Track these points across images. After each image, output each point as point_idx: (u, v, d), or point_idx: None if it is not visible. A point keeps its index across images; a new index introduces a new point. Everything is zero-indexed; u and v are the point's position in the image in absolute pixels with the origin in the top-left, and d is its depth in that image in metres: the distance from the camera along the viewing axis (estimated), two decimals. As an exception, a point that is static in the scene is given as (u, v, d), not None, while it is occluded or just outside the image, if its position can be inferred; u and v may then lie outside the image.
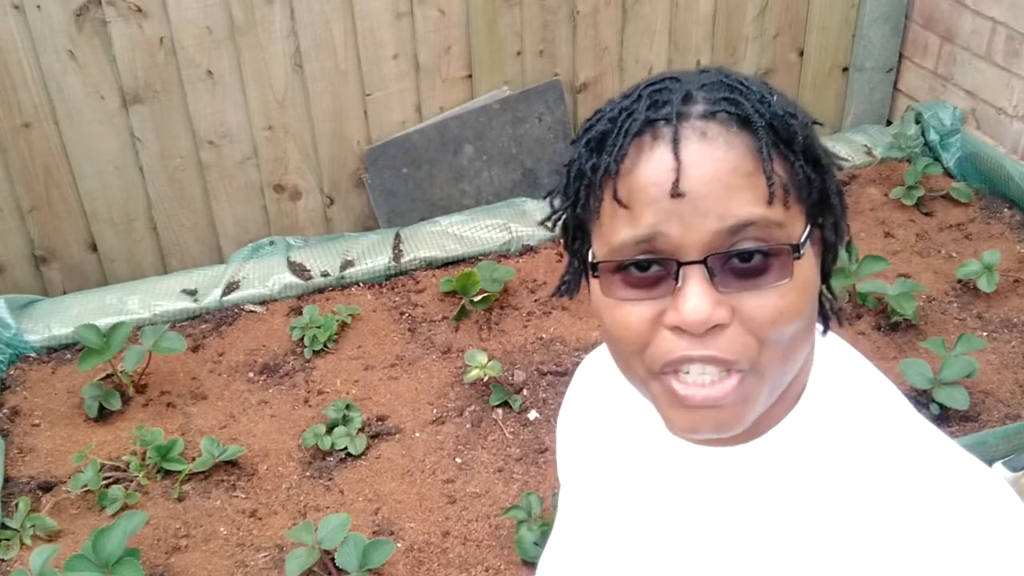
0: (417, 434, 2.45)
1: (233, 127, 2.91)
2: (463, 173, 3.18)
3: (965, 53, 3.31)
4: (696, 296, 0.70)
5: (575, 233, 0.82)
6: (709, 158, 0.71)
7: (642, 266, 0.73)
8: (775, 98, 0.76)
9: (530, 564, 2.10)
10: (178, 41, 2.74)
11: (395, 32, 2.95)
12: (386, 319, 2.83)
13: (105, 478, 2.30)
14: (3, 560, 2.14)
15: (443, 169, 3.15)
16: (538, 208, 3.17)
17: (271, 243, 3.05)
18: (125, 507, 2.23)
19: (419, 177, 3.13)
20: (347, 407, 2.46)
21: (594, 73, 3.24)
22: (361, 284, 2.97)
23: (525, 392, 2.54)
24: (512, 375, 2.59)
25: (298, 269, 2.97)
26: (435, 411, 2.51)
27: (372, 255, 3.00)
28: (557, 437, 1.04)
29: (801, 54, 3.49)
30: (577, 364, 2.63)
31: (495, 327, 2.78)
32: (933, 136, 3.38)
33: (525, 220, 3.13)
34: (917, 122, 3.45)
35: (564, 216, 0.83)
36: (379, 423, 2.48)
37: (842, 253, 0.82)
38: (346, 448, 2.38)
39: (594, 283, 0.77)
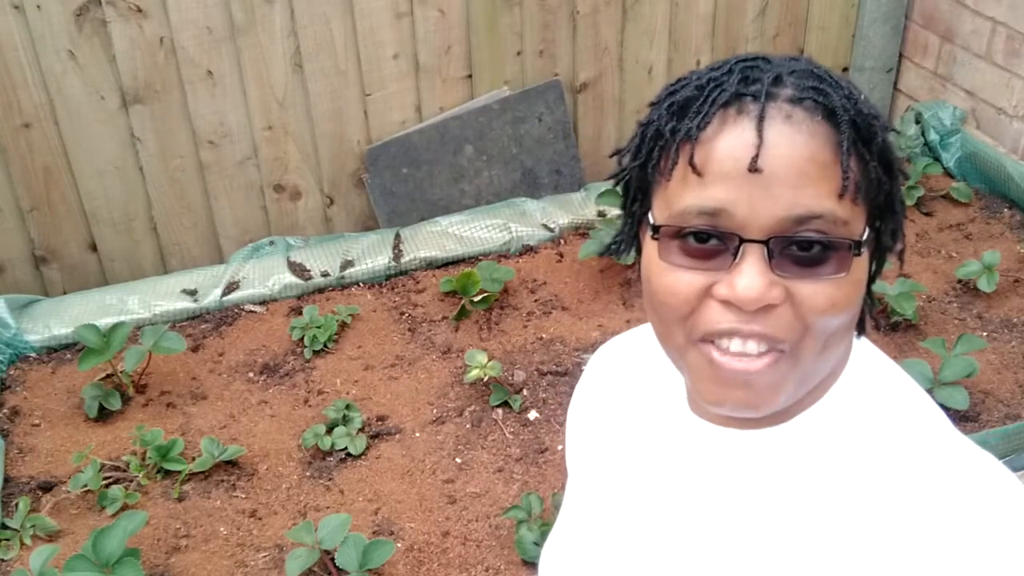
0: (417, 434, 2.45)
1: (233, 127, 2.91)
2: (463, 173, 3.18)
3: (965, 53, 3.31)
4: (752, 274, 0.71)
5: (636, 195, 0.82)
6: (790, 141, 0.71)
7: (701, 238, 0.73)
8: (861, 97, 0.76)
9: (530, 564, 2.10)
10: (178, 41, 2.74)
11: (395, 32, 2.95)
12: (386, 319, 2.83)
13: (105, 478, 2.30)
14: (3, 560, 2.14)
15: (443, 169, 3.15)
16: (538, 208, 3.17)
17: (271, 243, 3.05)
18: (125, 507, 2.23)
19: (419, 177, 3.13)
20: (347, 407, 2.46)
21: (594, 73, 3.25)
22: (361, 284, 2.97)
23: (525, 392, 2.54)
24: (512, 375, 2.59)
25: (298, 269, 2.97)
26: (435, 411, 2.51)
27: (372, 255, 3.00)
28: (567, 426, 1.05)
29: (801, 54, 3.49)
30: (577, 364, 2.64)
31: (495, 327, 2.78)
32: (933, 136, 3.38)
33: (525, 220, 3.13)
34: (917, 122, 3.45)
35: (628, 176, 0.83)
36: (379, 423, 2.48)
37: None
38: (346, 448, 2.38)
39: (651, 245, 0.77)
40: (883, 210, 0.77)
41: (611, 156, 0.85)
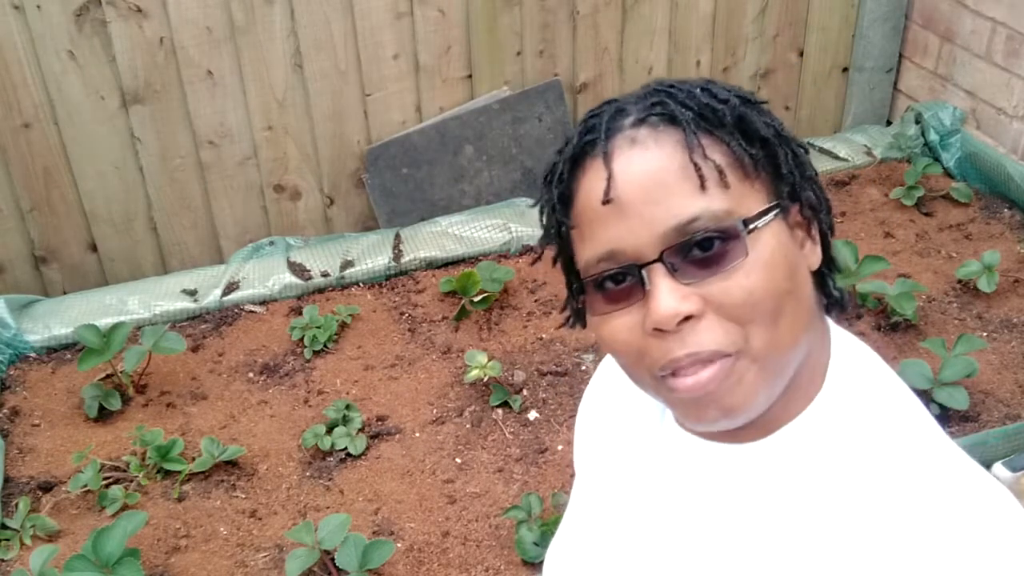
0: (417, 434, 2.45)
1: (233, 127, 2.91)
2: (463, 173, 3.18)
3: (965, 53, 3.32)
4: (662, 293, 0.73)
5: (567, 267, 0.86)
6: (638, 161, 0.74)
7: (616, 279, 0.76)
8: (701, 89, 0.78)
9: (530, 564, 2.10)
10: (178, 41, 2.74)
11: (395, 32, 2.95)
12: (386, 319, 2.83)
13: (105, 478, 2.30)
14: (3, 560, 2.14)
15: (443, 169, 3.15)
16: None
17: (271, 243, 3.05)
18: (125, 507, 2.23)
19: (419, 177, 3.13)
20: (347, 407, 2.46)
21: (594, 73, 3.25)
22: (361, 284, 2.97)
23: (525, 392, 2.54)
24: (512, 375, 2.59)
25: (298, 269, 2.97)
26: (435, 411, 2.51)
27: (372, 255, 3.00)
28: (576, 427, 1.06)
29: (801, 54, 3.49)
30: (577, 364, 2.64)
31: (495, 327, 2.78)
32: (933, 136, 3.38)
33: (525, 220, 3.13)
34: (917, 122, 3.45)
35: (555, 254, 0.87)
36: (379, 423, 2.48)
37: (845, 252, 0.85)
38: (346, 448, 2.38)
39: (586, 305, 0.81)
40: (776, 177, 0.78)
41: (536, 245, 0.91)
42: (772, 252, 0.75)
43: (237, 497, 2.29)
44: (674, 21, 3.25)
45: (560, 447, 2.39)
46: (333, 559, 2.03)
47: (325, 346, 2.71)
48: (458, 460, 2.37)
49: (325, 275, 2.95)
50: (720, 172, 0.74)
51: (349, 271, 2.96)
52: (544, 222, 0.84)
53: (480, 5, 3.00)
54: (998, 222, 3.13)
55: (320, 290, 2.95)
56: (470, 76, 3.11)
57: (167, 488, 2.30)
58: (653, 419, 0.91)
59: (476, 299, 2.77)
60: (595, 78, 3.25)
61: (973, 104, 3.34)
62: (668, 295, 0.73)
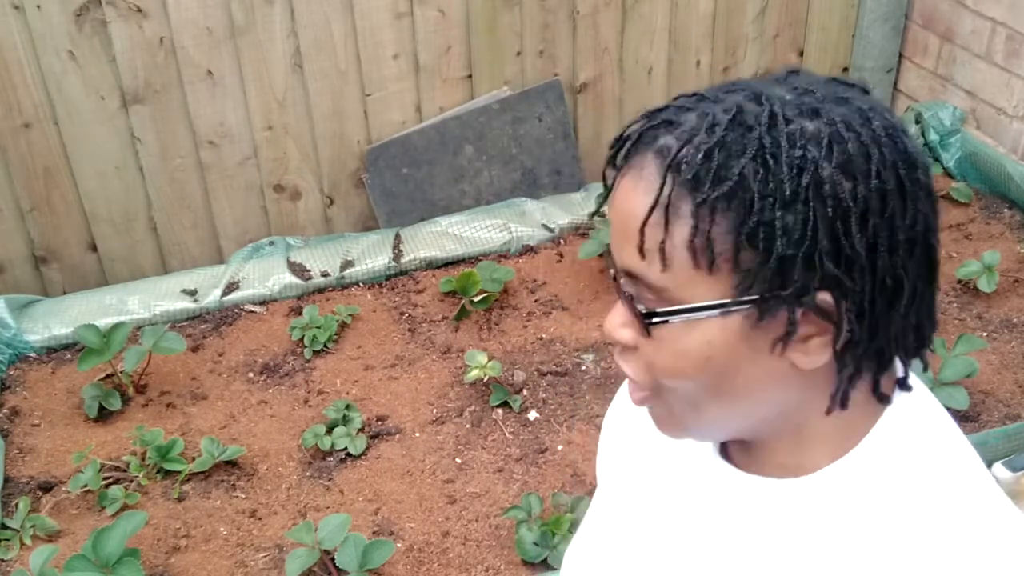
0: (417, 434, 2.45)
1: (233, 127, 2.91)
2: (463, 173, 3.18)
3: (965, 53, 3.31)
4: (614, 312, 0.76)
5: None
6: (626, 193, 0.71)
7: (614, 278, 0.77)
8: (775, 155, 0.65)
9: (530, 564, 2.10)
10: (178, 41, 2.74)
11: (395, 32, 2.95)
12: (386, 319, 2.83)
13: (105, 478, 2.30)
14: (3, 560, 2.14)
15: (443, 169, 3.15)
16: (538, 208, 3.17)
17: (271, 243, 3.05)
18: (125, 507, 2.23)
19: (419, 177, 3.13)
20: (347, 407, 2.46)
21: (594, 73, 3.24)
22: (361, 284, 2.97)
23: (525, 392, 2.54)
24: (512, 375, 2.59)
25: (298, 269, 2.97)
26: (435, 411, 2.51)
27: (372, 255, 3.00)
28: (602, 435, 1.03)
29: (801, 54, 3.49)
30: (577, 364, 2.64)
31: (495, 327, 2.78)
32: (933, 136, 3.38)
33: (525, 220, 3.13)
34: (917, 122, 3.45)
35: None
36: (379, 423, 2.48)
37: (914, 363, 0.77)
38: (346, 448, 2.38)
39: None
40: (775, 276, 0.67)
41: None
42: (689, 347, 0.70)
43: (237, 497, 2.29)
44: (674, 21, 3.25)
45: (560, 447, 2.39)
46: (333, 559, 2.03)
47: (325, 346, 2.71)
48: (458, 460, 2.37)
49: (325, 275, 2.95)
50: (662, 250, 0.68)
51: (349, 271, 2.96)
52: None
53: (480, 5, 3.00)
54: (998, 222, 3.13)
55: (320, 290, 2.95)
56: (470, 76, 3.11)
57: (167, 488, 2.30)
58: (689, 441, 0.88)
59: (476, 299, 2.77)
60: (595, 78, 3.25)
61: (973, 104, 3.34)
62: (614, 315, 0.76)
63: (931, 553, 0.71)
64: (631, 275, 0.72)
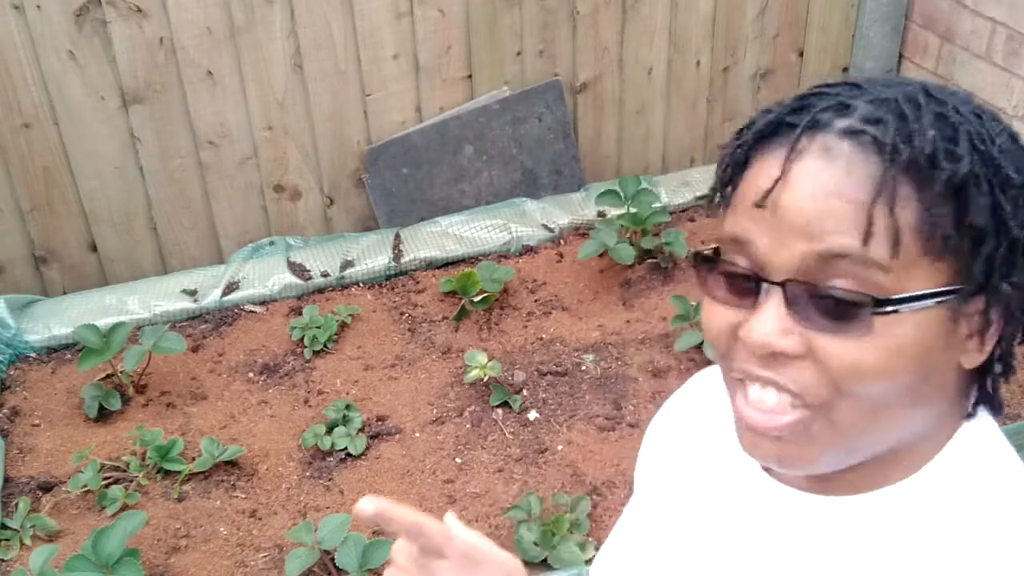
0: (417, 434, 2.45)
1: (233, 127, 2.91)
2: (463, 173, 3.18)
3: (965, 53, 3.32)
4: (766, 318, 0.66)
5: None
6: (818, 176, 0.65)
7: (732, 274, 0.70)
8: (953, 135, 0.66)
9: (530, 564, 2.09)
10: (178, 41, 2.74)
11: (395, 32, 2.95)
12: (386, 319, 2.83)
13: (105, 478, 2.30)
14: (3, 560, 2.14)
15: (443, 169, 3.15)
16: (538, 208, 3.17)
17: (271, 243, 3.05)
18: (125, 507, 2.23)
19: (419, 177, 3.13)
20: (347, 407, 2.46)
21: (594, 73, 3.24)
22: (361, 284, 2.97)
23: (525, 392, 2.54)
24: (512, 375, 2.59)
25: (298, 269, 2.97)
26: (435, 411, 2.51)
27: (372, 255, 3.00)
28: (644, 443, 0.98)
29: (801, 54, 3.49)
30: (577, 364, 2.64)
31: (495, 327, 2.78)
32: (933, 136, 3.38)
33: (525, 220, 3.13)
34: (917, 122, 3.44)
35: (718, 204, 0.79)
36: (379, 423, 2.48)
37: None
38: (346, 448, 2.38)
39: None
40: (970, 266, 0.66)
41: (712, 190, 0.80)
42: (905, 343, 0.65)
43: (237, 497, 2.29)
44: (674, 21, 3.25)
45: (560, 447, 2.39)
46: (333, 559, 2.03)
47: (325, 346, 2.71)
48: (458, 460, 2.37)
49: (325, 275, 2.95)
50: (895, 238, 0.64)
51: (349, 271, 2.96)
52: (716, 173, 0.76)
53: (480, 5, 3.00)
54: (998, 222, 3.13)
55: (320, 290, 2.95)
56: (470, 76, 3.11)
57: (167, 488, 2.30)
58: (738, 456, 0.84)
59: (476, 299, 2.77)
60: (595, 78, 3.25)
61: (973, 104, 3.34)
62: (771, 323, 0.66)
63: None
64: (831, 257, 0.64)
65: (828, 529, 0.74)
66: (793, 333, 0.66)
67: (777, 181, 0.66)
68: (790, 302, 0.66)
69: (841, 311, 0.64)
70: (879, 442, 0.70)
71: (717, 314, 0.71)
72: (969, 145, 0.66)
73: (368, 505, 0.78)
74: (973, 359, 0.70)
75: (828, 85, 0.71)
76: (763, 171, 0.68)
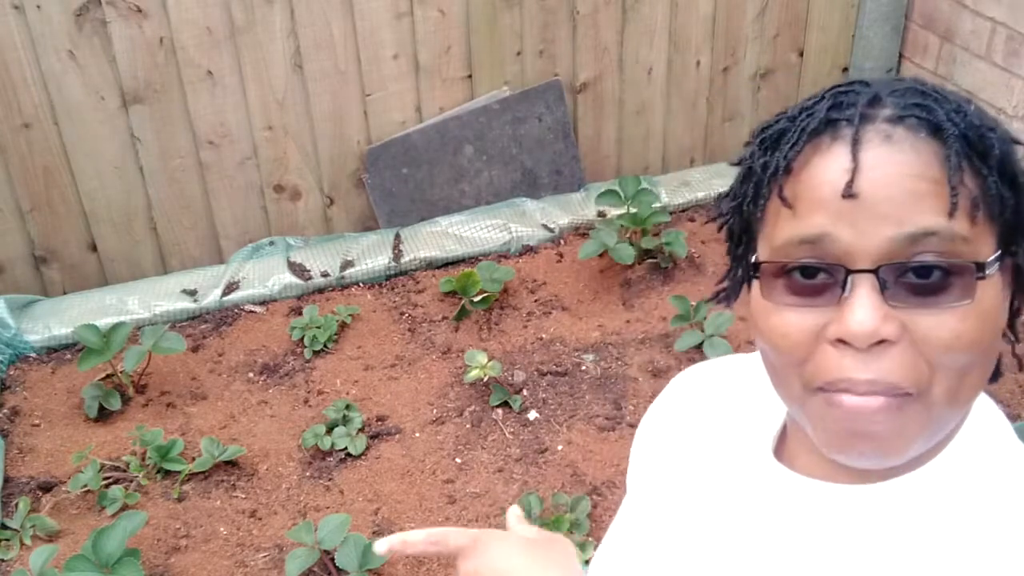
0: (417, 434, 2.45)
1: (233, 127, 2.91)
2: (463, 173, 3.18)
3: (965, 53, 3.32)
4: (864, 307, 0.65)
5: (740, 238, 0.78)
6: (891, 161, 0.66)
7: (808, 272, 0.68)
8: (972, 108, 0.72)
9: (530, 564, 2.09)
10: (178, 41, 2.74)
11: (395, 32, 2.95)
12: (386, 319, 2.83)
13: (105, 478, 2.30)
14: (3, 560, 2.14)
15: (443, 169, 3.15)
16: (538, 208, 3.17)
17: (271, 243, 3.05)
18: (125, 507, 2.23)
19: (419, 177, 3.13)
20: (347, 407, 2.46)
21: (594, 73, 3.24)
22: (361, 284, 2.97)
23: (525, 392, 2.54)
24: (512, 375, 2.59)
25: (298, 269, 2.97)
26: (435, 411, 2.51)
27: (372, 255, 3.00)
28: (635, 445, 0.97)
29: (801, 54, 3.49)
30: (577, 364, 2.64)
31: (495, 327, 2.78)
32: (933, 136, 3.38)
33: (525, 220, 3.13)
34: (917, 122, 3.44)
35: (730, 219, 0.78)
36: (379, 423, 2.48)
37: None
38: (346, 448, 2.38)
39: (755, 285, 0.73)
40: (1015, 229, 0.70)
41: (717, 201, 0.82)
42: (991, 306, 0.68)
43: (237, 497, 2.29)
44: (674, 21, 3.25)
45: (560, 447, 2.39)
46: (333, 559, 2.03)
47: (325, 346, 2.71)
48: (458, 460, 2.37)
49: (325, 275, 2.95)
50: (974, 203, 0.67)
51: (349, 271, 2.96)
52: (743, 183, 0.75)
53: (480, 5, 3.00)
54: (998, 222, 3.13)
55: (320, 290, 2.95)
56: (470, 76, 3.11)
57: (167, 488, 2.30)
58: (742, 451, 0.84)
59: (476, 299, 2.77)
60: (595, 78, 3.25)
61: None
62: (870, 311, 0.65)
63: (1015, 555, 0.69)
64: (920, 238, 0.66)
65: (849, 519, 0.74)
66: (891, 318, 0.66)
67: (854, 171, 0.66)
68: (884, 286, 0.66)
69: (942, 284, 0.66)
70: (952, 423, 0.71)
71: (793, 321, 0.69)
72: (993, 127, 0.71)
73: (381, 548, 0.85)
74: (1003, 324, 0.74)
75: (840, 86, 0.73)
76: (828, 166, 0.68)
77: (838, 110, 0.70)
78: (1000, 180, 0.69)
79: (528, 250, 3.08)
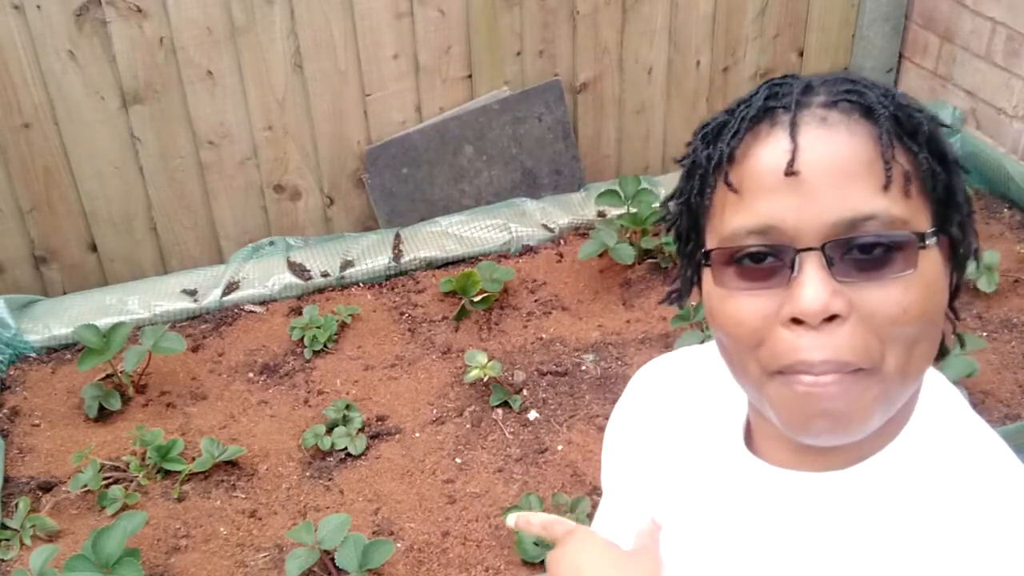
0: (417, 434, 2.45)
1: (233, 127, 2.91)
2: (463, 173, 3.18)
3: (965, 53, 3.32)
4: (813, 284, 0.68)
5: (688, 235, 0.80)
6: (829, 141, 0.70)
7: (757, 258, 0.71)
8: (899, 92, 0.75)
9: (530, 564, 2.10)
10: (178, 41, 2.74)
11: (395, 32, 2.95)
12: (386, 319, 2.83)
13: (105, 478, 2.30)
14: (3, 560, 2.14)
15: (443, 169, 3.15)
16: (538, 208, 3.17)
17: (271, 243, 3.05)
18: (125, 507, 2.23)
19: (419, 177, 3.13)
20: (347, 407, 2.46)
21: (594, 73, 3.25)
22: (361, 284, 2.97)
23: (525, 392, 2.54)
24: (512, 375, 2.59)
25: (298, 269, 2.97)
26: (435, 411, 2.51)
27: (372, 255, 3.00)
28: (606, 445, 0.99)
29: (801, 54, 3.49)
30: (577, 364, 2.64)
31: (495, 327, 2.78)
32: (933, 136, 3.38)
33: (525, 220, 3.13)
34: (917, 122, 3.44)
35: (677, 221, 0.81)
36: (379, 423, 2.48)
37: (970, 266, 0.79)
38: (346, 448, 2.38)
39: (706, 275, 0.75)
40: (945, 204, 0.74)
41: (660, 205, 0.84)
42: (933, 276, 0.71)
43: (237, 497, 2.29)
44: (674, 21, 3.25)
45: (560, 447, 2.39)
46: (333, 559, 2.03)
47: (325, 346, 2.71)
48: (458, 460, 2.37)
49: (325, 275, 2.95)
50: (907, 178, 0.70)
51: (349, 271, 2.96)
52: (688, 179, 0.78)
53: (480, 5, 3.00)
54: (998, 222, 3.13)
55: (320, 290, 2.95)
56: (470, 76, 3.11)
57: (167, 488, 2.30)
58: (712, 441, 0.86)
59: (476, 299, 2.77)
60: (595, 78, 3.25)
61: (973, 104, 3.34)
62: (820, 286, 0.67)
63: (982, 531, 0.71)
64: (860, 221, 0.69)
65: (822, 506, 0.76)
66: (840, 294, 0.68)
67: (794, 151, 0.69)
68: (830, 263, 0.68)
69: (885, 258, 0.69)
70: (906, 396, 0.73)
71: (746, 306, 0.71)
72: (921, 110, 0.75)
73: (511, 521, 0.97)
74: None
75: (774, 79, 0.77)
76: (769, 150, 0.71)
77: (775, 99, 0.73)
78: (930, 156, 0.72)
79: (528, 250, 3.08)
